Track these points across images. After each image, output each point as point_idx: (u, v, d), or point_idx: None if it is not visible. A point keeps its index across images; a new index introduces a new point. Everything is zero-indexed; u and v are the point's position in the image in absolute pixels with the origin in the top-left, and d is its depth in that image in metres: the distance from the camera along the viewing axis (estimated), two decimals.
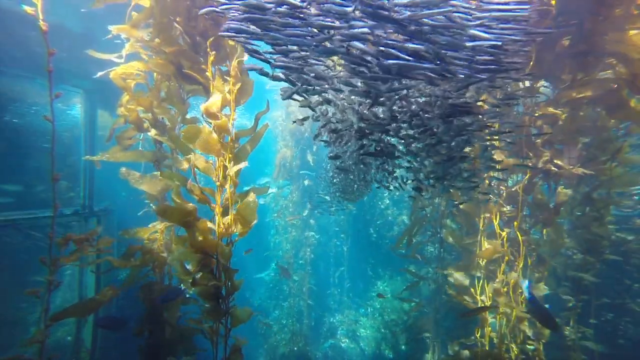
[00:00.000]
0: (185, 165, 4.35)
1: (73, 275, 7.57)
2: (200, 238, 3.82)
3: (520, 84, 4.69)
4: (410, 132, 3.49)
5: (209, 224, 3.91)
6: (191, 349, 4.57)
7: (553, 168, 4.54)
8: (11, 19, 6.06)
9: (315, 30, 2.52)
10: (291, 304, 12.40)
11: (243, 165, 4.10)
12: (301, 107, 3.23)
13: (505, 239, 4.79)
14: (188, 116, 4.87)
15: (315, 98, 3.28)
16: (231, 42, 4.48)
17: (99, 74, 4.51)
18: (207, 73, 4.18)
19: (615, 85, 4.18)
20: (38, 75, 7.48)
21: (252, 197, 3.97)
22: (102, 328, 5.90)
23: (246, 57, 4.31)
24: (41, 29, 3.50)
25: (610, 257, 6.45)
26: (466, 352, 5.16)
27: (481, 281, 5.20)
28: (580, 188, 5.91)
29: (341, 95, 3.40)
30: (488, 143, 4.08)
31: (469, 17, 2.52)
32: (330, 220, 14.79)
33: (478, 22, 2.55)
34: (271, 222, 14.14)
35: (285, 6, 2.46)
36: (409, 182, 4.26)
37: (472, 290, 5.29)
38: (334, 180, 7.05)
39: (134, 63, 4.41)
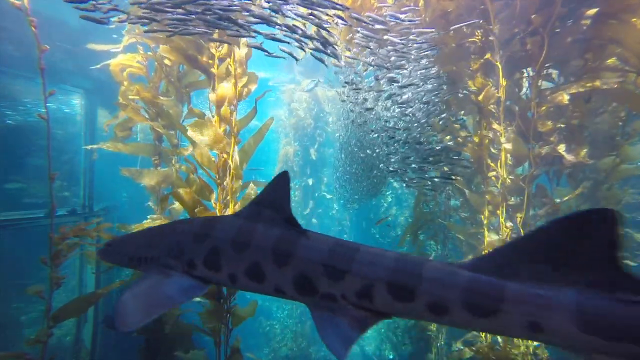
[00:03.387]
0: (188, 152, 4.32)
1: (74, 275, 7.52)
2: None
3: (525, 71, 4.70)
4: None
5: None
6: (190, 347, 4.51)
7: (560, 155, 4.46)
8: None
9: None
10: (293, 304, 12.31)
11: (246, 158, 4.07)
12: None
13: (509, 233, 4.71)
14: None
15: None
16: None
17: (97, 65, 4.48)
18: (212, 69, 4.15)
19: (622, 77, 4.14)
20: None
21: (252, 188, 3.92)
22: (106, 327, 5.95)
23: (246, 49, 4.28)
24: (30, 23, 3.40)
25: None
26: (469, 351, 5.08)
27: None
28: (584, 184, 5.84)
29: None
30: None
31: None
32: (333, 220, 14.72)
33: None
34: None
35: None
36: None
37: None
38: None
39: (134, 55, 4.37)
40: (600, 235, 1.24)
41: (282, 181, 1.92)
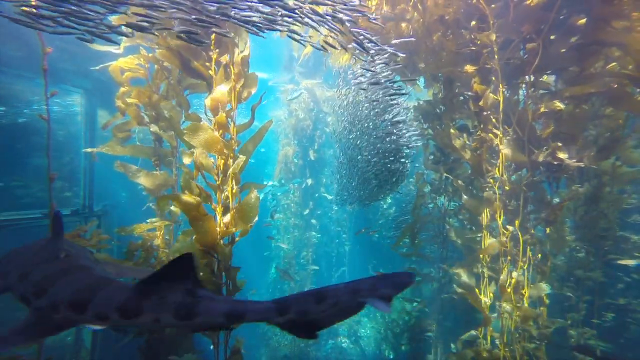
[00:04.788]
0: (188, 160, 4.31)
1: None
2: (203, 226, 3.73)
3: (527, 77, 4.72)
4: None
5: (214, 222, 3.86)
6: (190, 348, 4.52)
7: (557, 161, 4.49)
8: None
9: None
10: None
11: (244, 162, 4.06)
12: None
13: (508, 236, 4.73)
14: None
15: None
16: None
17: (97, 67, 4.49)
18: (210, 71, 4.15)
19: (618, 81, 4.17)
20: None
21: (253, 193, 3.93)
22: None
23: (247, 51, 4.28)
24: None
25: (614, 257, 6.39)
26: (469, 352, 5.10)
27: (485, 280, 5.14)
28: (583, 186, 5.87)
29: None
30: None
31: None
32: (332, 220, 14.74)
33: None
34: (272, 221, 14.08)
35: None
36: None
37: (476, 290, 5.23)
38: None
39: (133, 57, 4.37)
40: (187, 266, 2.01)
41: (56, 220, 2.64)
